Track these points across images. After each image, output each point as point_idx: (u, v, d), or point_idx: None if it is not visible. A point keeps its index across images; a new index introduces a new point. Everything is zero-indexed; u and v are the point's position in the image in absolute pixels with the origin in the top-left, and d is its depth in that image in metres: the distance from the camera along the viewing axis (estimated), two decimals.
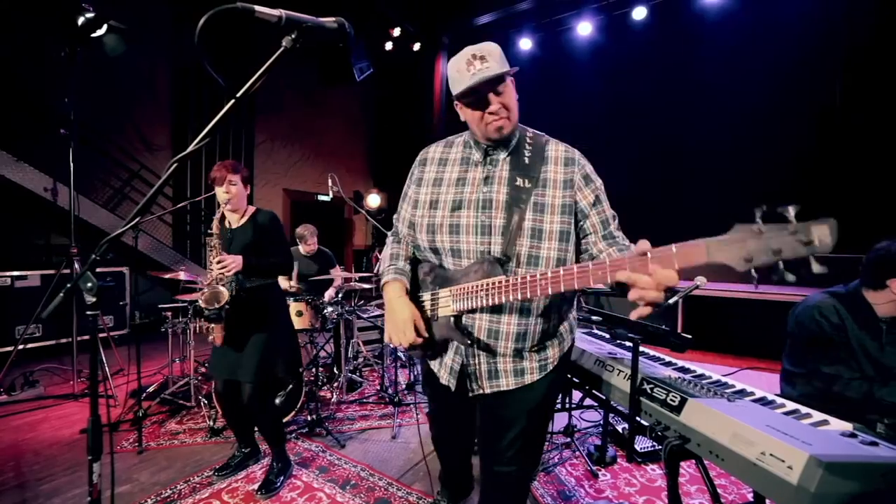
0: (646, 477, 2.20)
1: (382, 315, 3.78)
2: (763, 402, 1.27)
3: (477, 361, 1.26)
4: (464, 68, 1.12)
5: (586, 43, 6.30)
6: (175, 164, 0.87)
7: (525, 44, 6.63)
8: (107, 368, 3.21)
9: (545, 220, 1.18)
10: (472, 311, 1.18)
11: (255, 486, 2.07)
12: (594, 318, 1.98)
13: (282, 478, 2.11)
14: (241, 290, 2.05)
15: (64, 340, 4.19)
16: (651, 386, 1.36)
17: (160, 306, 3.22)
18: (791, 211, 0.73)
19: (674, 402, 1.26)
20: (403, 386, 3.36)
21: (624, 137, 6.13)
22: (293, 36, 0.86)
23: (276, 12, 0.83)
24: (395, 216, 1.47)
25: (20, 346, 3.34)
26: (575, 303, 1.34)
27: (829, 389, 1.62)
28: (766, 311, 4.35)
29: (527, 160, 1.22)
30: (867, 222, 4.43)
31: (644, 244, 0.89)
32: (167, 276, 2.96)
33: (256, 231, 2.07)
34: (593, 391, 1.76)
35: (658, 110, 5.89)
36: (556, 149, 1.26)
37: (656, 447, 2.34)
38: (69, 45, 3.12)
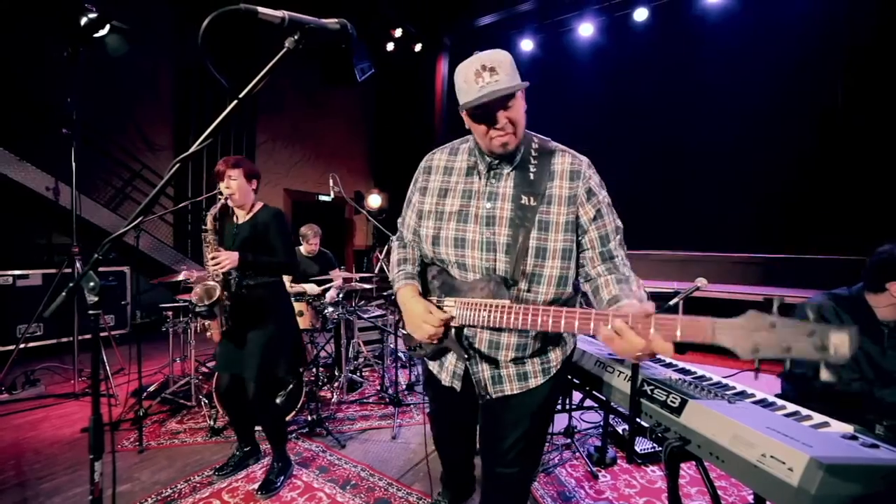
0: (646, 478, 2.20)
1: (383, 315, 3.79)
2: (763, 403, 1.27)
3: (480, 368, 1.27)
4: (472, 79, 1.07)
5: (588, 44, 6.31)
6: (177, 165, 0.87)
7: (526, 45, 6.64)
8: (108, 368, 3.21)
9: (549, 239, 1.17)
10: (474, 325, 1.18)
11: (256, 486, 2.07)
12: None
13: (282, 477, 2.11)
14: (243, 288, 2.05)
15: (65, 339, 4.20)
16: (651, 387, 1.37)
17: (161, 306, 3.23)
18: (811, 314, 0.74)
19: (674, 403, 1.26)
20: (404, 386, 3.36)
21: (625, 138, 6.14)
22: (296, 37, 0.86)
23: (278, 13, 0.83)
24: (399, 220, 1.46)
25: (21, 345, 3.35)
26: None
27: (830, 389, 1.62)
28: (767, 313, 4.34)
29: (532, 175, 1.19)
30: (869, 224, 4.44)
31: (649, 306, 0.89)
32: (171, 278, 2.96)
33: (259, 227, 2.06)
34: (593, 392, 1.76)
35: (659, 111, 5.90)
36: (563, 161, 1.21)
37: (656, 448, 2.34)
38: (72, 45, 3.13)
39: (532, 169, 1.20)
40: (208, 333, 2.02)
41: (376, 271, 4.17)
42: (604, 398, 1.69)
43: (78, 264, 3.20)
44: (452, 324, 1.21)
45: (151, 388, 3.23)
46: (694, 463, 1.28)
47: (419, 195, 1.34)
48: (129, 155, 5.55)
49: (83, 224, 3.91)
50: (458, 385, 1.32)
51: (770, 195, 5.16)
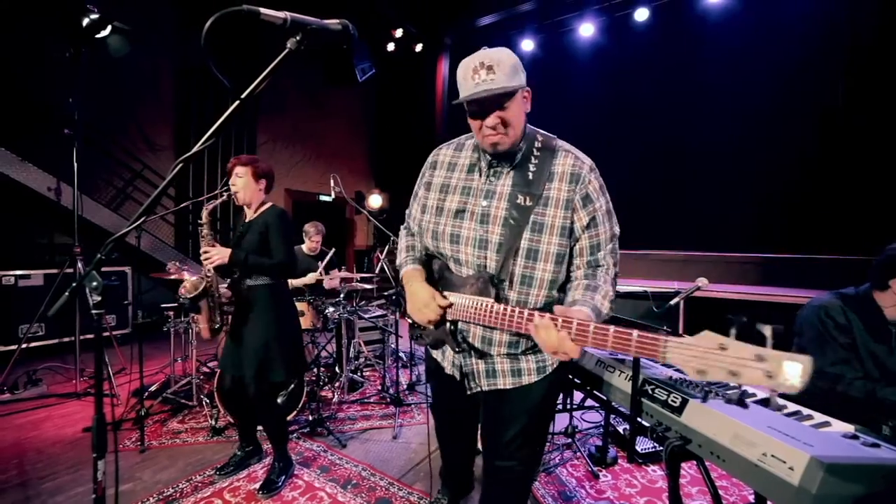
0: (647, 478, 2.20)
1: (384, 315, 3.79)
2: (764, 403, 1.27)
3: (473, 362, 1.30)
4: (469, 75, 1.08)
5: (588, 44, 6.30)
6: (180, 165, 0.87)
7: (527, 45, 6.64)
8: (109, 367, 3.22)
9: (542, 241, 1.16)
10: (467, 320, 1.20)
11: (257, 486, 2.07)
12: None
13: (283, 477, 2.12)
14: (244, 288, 2.06)
15: (66, 339, 4.21)
16: (652, 387, 1.37)
17: (162, 306, 3.24)
18: (768, 332, 0.70)
19: (675, 402, 1.26)
20: (405, 386, 3.37)
21: (626, 138, 6.13)
22: (298, 38, 0.86)
23: (281, 14, 0.84)
24: (407, 211, 1.49)
25: (23, 345, 3.36)
26: None
27: (832, 390, 1.62)
28: (769, 313, 4.34)
29: (531, 175, 1.18)
30: (870, 224, 4.43)
31: (582, 314, 0.98)
32: (171, 276, 2.97)
33: (262, 227, 2.05)
34: (594, 392, 1.76)
35: (660, 111, 5.89)
36: (565, 162, 1.19)
37: (657, 448, 2.34)
38: (74, 45, 3.14)
39: (532, 168, 1.19)
40: (197, 328, 2.04)
41: (377, 271, 4.17)
42: (605, 398, 1.69)
43: (80, 264, 3.20)
44: (448, 317, 1.24)
45: (153, 388, 3.23)
46: (695, 462, 1.28)
47: (423, 190, 1.37)
48: (131, 155, 5.56)
49: (84, 224, 3.92)
50: (457, 374, 1.35)
51: (771, 195, 5.16)
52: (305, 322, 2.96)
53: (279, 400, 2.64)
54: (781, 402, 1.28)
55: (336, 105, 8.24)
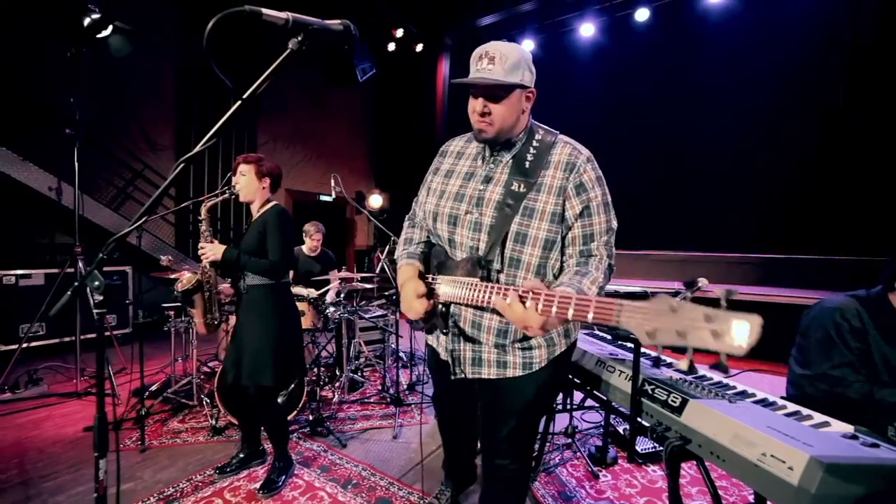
0: (647, 478, 2.20)
1: (384, 315, 3.79)
2: (764, 403, 1.27)
3: (462, 347, 1.32)
4: (475, 60, 1.15)
5: (589, 44, 6.31)
6: (181, 165, 0.88)
7: (528, 45, 6.64)
8: (110, 367, 3.22)
9: (532, 226, 1.18)
10: (457, 302, 1.23)
11: (257, 485, 2.07)
12: None
13: (283, 477, 2.12)
14: (243, 288, 2.06)
15: (67, 339, 4.21)
16: (652, 387, 1.37)
17: (163, 305, 3.24)
18: (721, 294, 0.67)
19: (675, 403, 1.26)
20: (405, 386, 3.37)
21: (626, 138, 6.14)
22: (299, 38, 0.86)
23: (282, 15, 0.84)
24: (414, 199, 1.53)
25: (24, 345, 3.36)
26: None
27: (832, 391, 1.62)
28: (769, 313, 4.32)
29: (528, 164, 1.22)
30: (870, 224, 4.43)
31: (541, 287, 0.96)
32: (171, 276, 2.98)
33: (260, 226, 2.03)
34: (594, 392, 1.77)
35: (660, 111, 5.90)
36: (562, 152, 1.22)
37: (657, 448, 2.34)
38: (75, 45, 3.14)
39: (530, 158, 1.23)
40: (194, 322, 2.09)
41: (377, 271, 4.17)
42: (605, 398, 1.69)
43: (80, 264, 3.21)
44: (439, 300, 1.27)
45: (153, 388, 3.23)
46: (695, 462, 1.29)
47: (431, 175, 1.43)
48: (132, 155, 5.56)
49: (85, 224, 3.92)
50: (449, 359, 1.37)
51: (771, 195, 5.16)
52: (306, 322, 2.96)
53: (280, 400, 2.64)
54: (781, 402, 1.29)
55: (337, 105, 8.25)
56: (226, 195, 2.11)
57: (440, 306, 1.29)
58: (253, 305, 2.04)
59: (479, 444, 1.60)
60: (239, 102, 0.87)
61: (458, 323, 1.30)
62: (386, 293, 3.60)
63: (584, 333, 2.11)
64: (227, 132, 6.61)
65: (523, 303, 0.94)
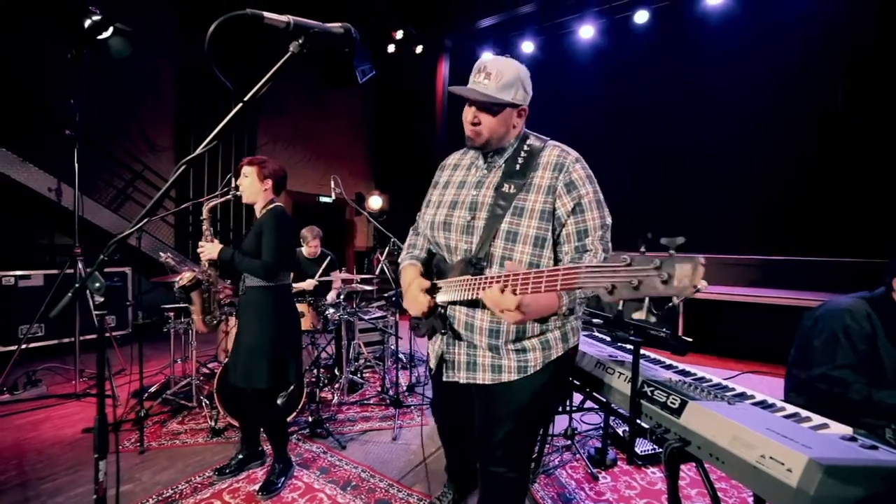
0: (646, 480, 2.20)
1: (384, 317, 3.80)
2: (763, 405, 1.27)
3: (456, 351, 1.34)
4: (474, 72, 1.22)
5: (588, 46, 6.32)
6: (182, 167, 0.88)
7: (527, 47, 6.66)
8: (110, 368, 3.22)
9: (522, 224, 1.21)
10: (453, 303, 1.27)
11: (256, 487, 2.07)
12: (595, 320, 1.98)
13: (283, 478, 2.12)
14: (242, 289, 2.07)
15: (66, 340, 4.20)
16: (651, 389, 1.37)
17: (162, 306, 3.24)
18: (670, 243, 0.67)
19: (674, 404, 1.26)
20: (404, 388, 3.37)
21: (626, 140, 6.15)
22: (300, 41, 0.87)
23: (284, 18, 0.84)
24: (418, 213, 1.58)
25: (23, 346, 3.36)
26: (572, 314, 1.31)
27: (831, 392, 1.62)
28: (768, 315, 4.35)
29: (518, 167, 1.27)
30: (870, 226, 4.44)
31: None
32: (170, 278, 2.98)
33: (258, 228, 2.03)
34: (594, 394, 1.77)
35: (660, 113, 5.91)
36: (551, 153, 1.26)
37: (657, 450, 2.34)
38: (75, 47, 3.15)
39: (520, 161, 1.28)
40: (193, 320, 2.21)
41: (377, 273, 4.17)
42: (604, 399, 1.69)
43: (80, 265, 3.20)
44: (438, 301, 1.31)
45: (152, 389, 3.23)
46: (694, 464, 1.29)
47: (431, 189, 1.49)
48: (131, 156, 5.56)
49: (85, 225, 3.92)
50: (443, 362, 1.39)
51: (771, 197, 5.17)
52: (305, 323, 2.96)
53: (279, 401, 2.64)
54: (780, 404, 1.29)
55: (336, 106, 8.26)
56: (229, 196, 2.13)
57: (439, 308, 1.32)
58: (250, 307, 2.04)
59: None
60: (240, 105, 0.87)
61: (453, 325, 1.32)
62: (386, 294, 3.60)
63: (584, 335, 2.12)
64: (227, 133, 6.61)
65: (502, 290, 0.99)
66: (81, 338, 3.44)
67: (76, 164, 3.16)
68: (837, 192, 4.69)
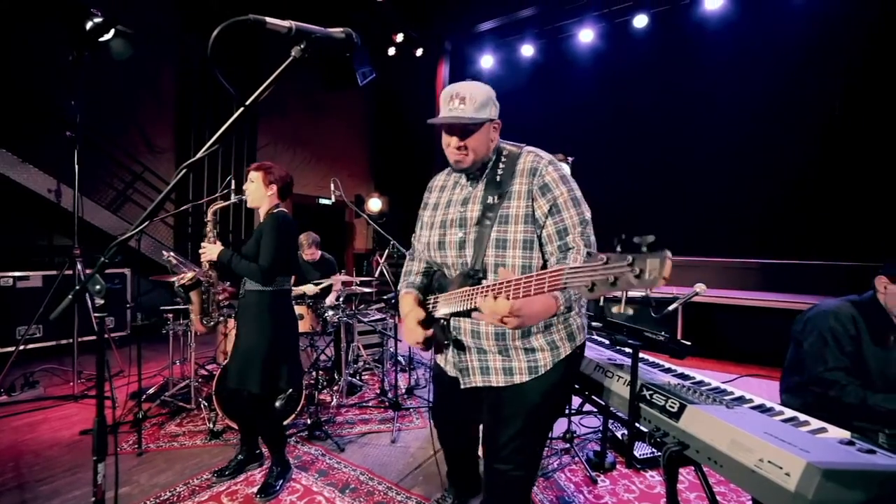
0: (645, 483, 2.20)
1: (383, 319, 3.80)
2: (762, 409, 1.28)
3: (469, 358, 1.39)
4: (446, 101, 1.26)
5: (588, 50, 6.34)
6: (184, 171, 0.88)
7: (527, 50, 6.68)
8: (108, 370, 3.21)
9: (509, 231, 1.27)
10: (455, 315, 1.29)
11: (255, 490, 2.07)
12: (594, 324, 1.99)
13: (281, 481, 2.11)
14: (242, 292, 2.08)
15: (64, 341, 4.19)
16: (650, 392, 1.37)
17: (161, 308, 3.23)
18: (643, 241, 0.71)
19: (673, 408, 1.27)
20: (403, 390, 3.36)
21: (625, 144, 6.16)
22: (302, 46, 0.88)
23: (285, 23, 0.85)
24: (413, 236, 1.63)
25: (21, 347, 3.35)
26: (572, 314, 1.33)
27: (826, 394, 1.63)
28: (766, 318, 4.35)
29: (499, 178, 1.32)
30: (869, 230, 4.45)
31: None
32: (170, 278, 2.98)
33: (258, 232, 2.05)
34: (593, 397, 1.77)
35: (659, 117, 5.93)
36: (526, 160, 1.31)
37: (655, 453, 2.34)
38: (76, 48, 3.15)
39: (500, 172, 1.33)
40: (192, 319, 2.24)
41: (376, 275, 4.17)
42: (603, 403, 1.69)
43: (79, 266, 3.20)
44: (439, 315, 1.35)
45: (151, 391, 3.22)
46: (693, 468, 1.29)
47: (422, 211, 1.55)
48: (131, 157, 5.57)
49: (84, 226, 3.92)
50: (459, 373, 1.42)
51: (770, 201, 5.18)
52: (304, 325, 2.96)
53: (277, 404, 2.63)
54: (778, 408, 1.29)
55: (336, 108, 8.28)
56: (234, 200, 2.15)
57: (441, 321, 1.35)
58: (248, 310, 2.05)
59: (480, 454, 1.61)
60: (242, 109, 0.88)
61: (461, 336, 1.37)
62: (385, 297, 3.60)
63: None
64: (227, 137, 6.63)
65: (495, 297, 1.02)
66: (80, 339, 3.43)
67: (76, 166, 3.16)
68: (837, 196, 4.71)
